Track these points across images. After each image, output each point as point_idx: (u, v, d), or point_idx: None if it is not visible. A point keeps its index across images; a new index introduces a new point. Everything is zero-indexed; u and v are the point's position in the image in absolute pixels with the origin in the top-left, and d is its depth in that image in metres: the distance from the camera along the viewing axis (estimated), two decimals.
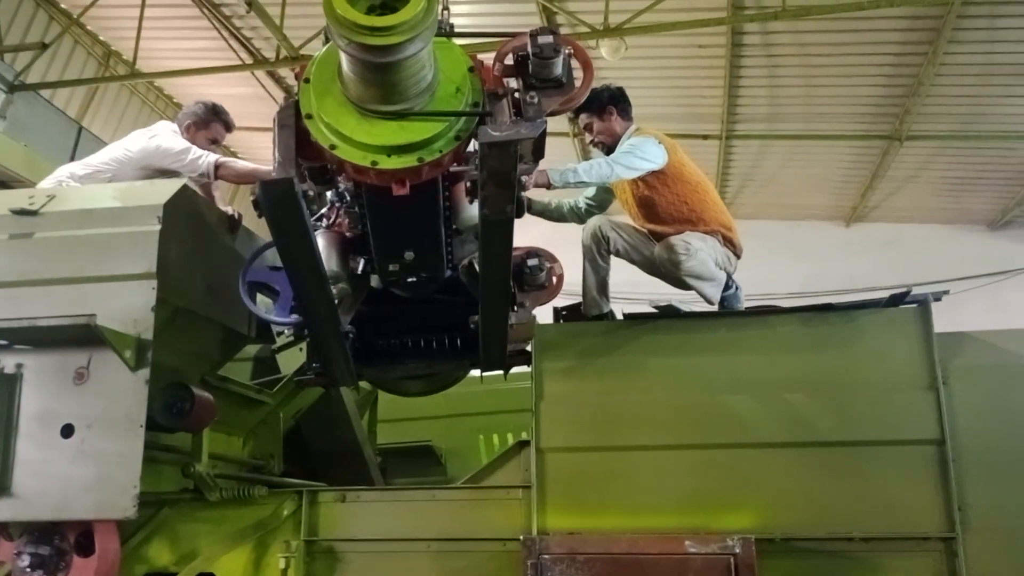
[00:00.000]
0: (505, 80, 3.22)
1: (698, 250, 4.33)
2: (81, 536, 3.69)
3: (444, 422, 6.63)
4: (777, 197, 14.93)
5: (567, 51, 3.25)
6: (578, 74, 3.35)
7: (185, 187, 3.99)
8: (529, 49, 3.14)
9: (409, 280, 3.96)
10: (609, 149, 4.64)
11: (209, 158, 4.53)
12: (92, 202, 3.92)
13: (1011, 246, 14.69)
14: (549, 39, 3.14)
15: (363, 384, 6.25)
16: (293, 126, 3.16)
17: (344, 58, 2.90)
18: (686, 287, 4.42)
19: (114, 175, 4.41)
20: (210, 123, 5.00)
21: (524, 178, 3.98)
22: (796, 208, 15.20)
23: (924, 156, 13.18)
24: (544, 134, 3.13)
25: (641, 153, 4.39)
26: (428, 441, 6.47)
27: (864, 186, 14.20)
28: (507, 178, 3.12)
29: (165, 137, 4.77)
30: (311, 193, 3.37)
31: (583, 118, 4.77)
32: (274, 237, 3.42)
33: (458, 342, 4.30)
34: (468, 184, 3.46)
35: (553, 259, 4.37)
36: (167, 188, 3.91)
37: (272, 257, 3.97)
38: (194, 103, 5.11)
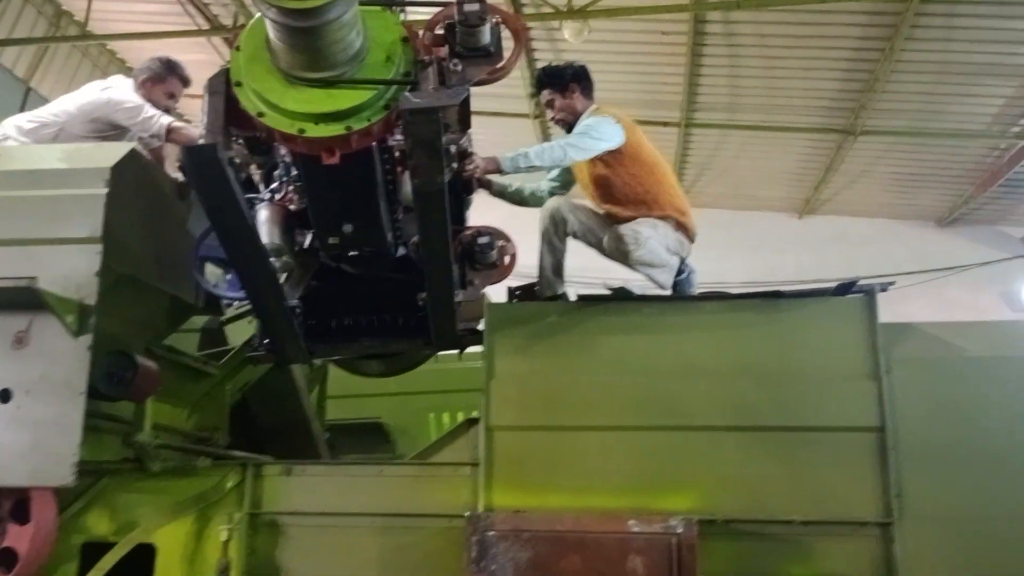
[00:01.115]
0: (435, 49, 3.21)
1: (648, 238, 4.35)
2: (17, 504, 3.61)
3: (394, 399, 6.59)
4: (733, 187, 15.08)
5: (494, 20, 3.26)
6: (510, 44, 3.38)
7: (134, 151, 3.89)
8: (456, 17, 3.14)
9: (352, 254, 3.92)
10: (570, 127, 4.63)
11: (163, 120, 4.43)
12: (38, 163, 3.83)
13: (957, 243, 15.01)
14: (475, 7, 3.16)
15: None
16: (223, 93, 3.16)
17: (268, 24, 2.88)
18: (640, 273, 4.44)
19: (62, 128, 4.28)
20: (166, 78, 4.91)
21: (473, 164, 4.00)
22: (751, 199, 15.37)
23: (877, 151, 13.39)
24: (468, 102, 3.18)
25: (596, 133, 4.38)
26: (378, 418, 6.44)
27: (818, 179, 14.39)
28: (432, 146, 3.12)
29: (120, 91, 4.66)
30: (237, 160, 3.32)
31: (545, 94, 4.75)
32: (204, 208, 3.39)
33: (411, 321, 4.27)
34: (399, 155, 3.45)
35: (505, 238, 4.36)
36: (115, 151, 3.82)
37: None
38: (149, 59, 5.00)
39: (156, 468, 3.99)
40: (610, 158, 4.49)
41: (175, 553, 4.01)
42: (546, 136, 13.53)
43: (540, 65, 11.78)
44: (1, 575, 3.54)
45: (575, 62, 4.84)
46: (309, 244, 3.94)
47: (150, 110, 4.57)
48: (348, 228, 3.66)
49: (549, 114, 4.83)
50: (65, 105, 4.66)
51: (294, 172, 3.79)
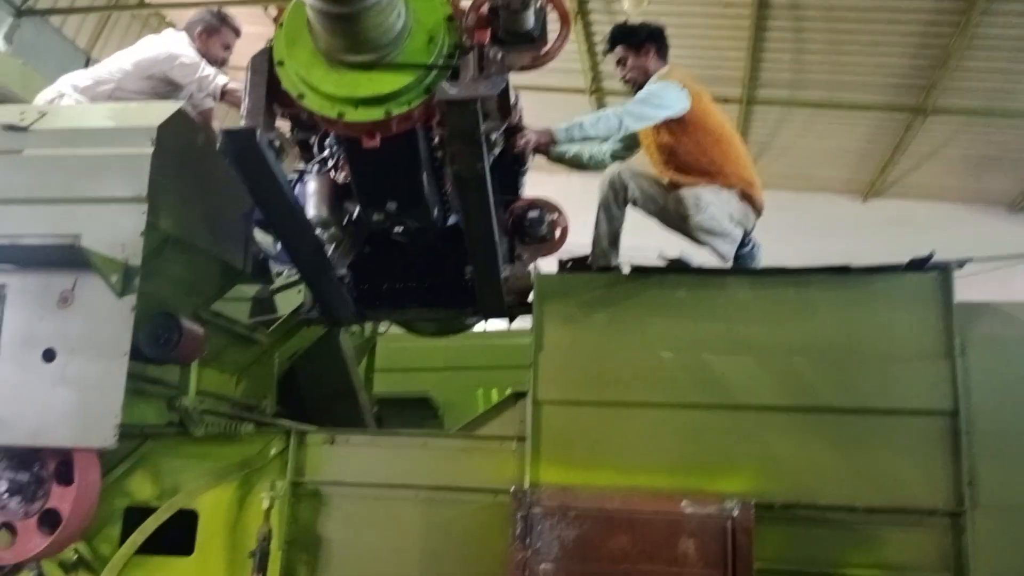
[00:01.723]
0: (477, 33, 3.07)
1: (709, 204, 4.17)
2: (61, 465, 3.60)
3: (443, 374, 6.55)
4: (793, 168, 14.66)
5: (539, 3, 3.14)
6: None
7: (181, 110, 3.83)
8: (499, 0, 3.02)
9: (397, 230, 3.84)
10: (640, 87, 4.44)
11: (219, 79, 4.39)
12: (84, 121, 3.80)
13: None
14: None
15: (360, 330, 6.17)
16: (266, 72, 3.10)
17: (308, 7, 2.80)
18: (699, 243, 4.26)
19: (118, 85, 4.26)
20: (220, 28, 4.89)
21: (524, 139, 3.89)
22: (813, 180, 14.93)
23: (948, 131, 12.88)
24: (507, 91, 3.06)
25: (657, 100, 4.20)
26: (426, 392, 6.38)
27: (884, 160, 13.92)
28: (471, 136, 3.04)
29: (178, 45, 4.64)
30: (278, 143, 3.27)
31: (618, 51, 4.57)
32: (247, 187, 3.36)
33: (459, 289, 4.18)
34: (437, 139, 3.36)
35: (557, 211, 4.24)
36: (162, 110, 3.76)
37: None
38: (199, 12, 4.96)
39: (199, 433, 3.96)
40: (675, 126, 4.30)
41: (217, 520, 3.99)
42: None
43: (596, 33, 11.64)
44: (45, 535, 3.54)
45: (652, 22, 4.64)
46: (358, 215, 3.88)
47: (207, 68, 4.53)
48: (392, 206, 3.60)
49: (619, 72, 4.63)
50: (121, 62, 4.64)
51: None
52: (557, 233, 4.21)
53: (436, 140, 3.36)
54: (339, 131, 3.09)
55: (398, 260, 4.21)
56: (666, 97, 4.20)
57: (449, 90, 2.87)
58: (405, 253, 4.16)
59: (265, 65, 3.11)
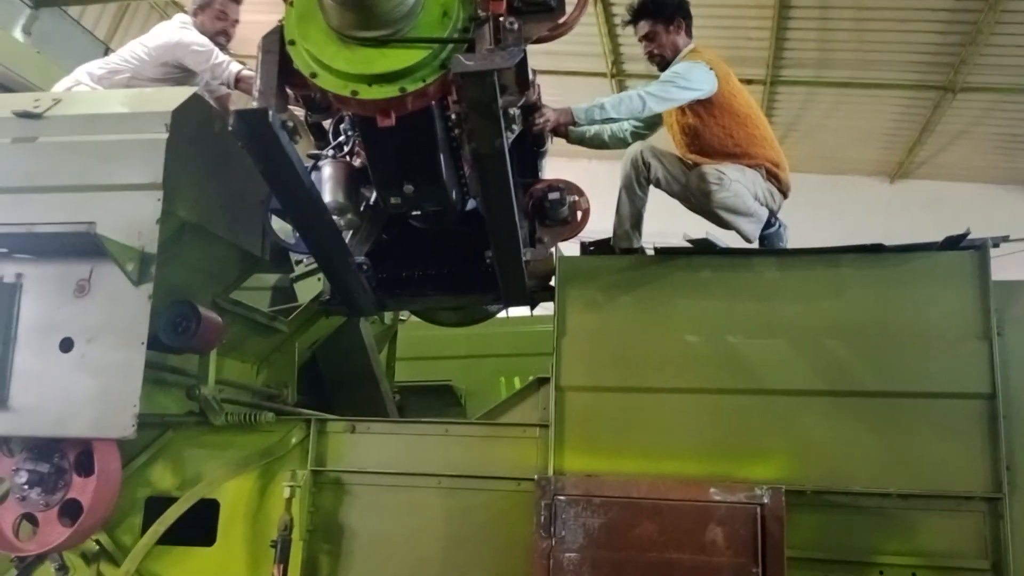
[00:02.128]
0: (492, 3, 2.97)
1: (733, 181, 4.05)
2: (82, 455, 3.58)
3: (465, 362, 6.52)
4: (820, 149, 14.45)
5: None
6: None
7: (196, 95, 3.78)
8: None
9: (416, 213, 3.77)
10: (664, 66, 4.31)
11: (232, 67, 4.32)
12: (98, 107, 3.75)
13: None
14: None
15: (381, 319, 6.13)
16: (277, 52, 3.02)
17: None
18: (723, 223, 4.15)
19: (134, 74, 4.21)
20: (213, 1, 4.76)
21: (544, 118, 3.80)
22: (839, 162, 14.72)
23: (978, 110, 12.63)
24: (525, 63, 2.96)
25: (684, 82, 4.08)
26: (448, 381, 6.35)
27: (912, 140, 13.68)
28: (488, 110, 2.94)
29: (190, 33, 4.57)
30: (291, 124, 3.19)
31: (643, 25, 4.38)
32: (260, 170, 3.28)
33: (480, 275, 4.11)
34: (454, 116, 3.29)
35: (578, 192, 4.15)
36: (177, 95, 3.71)
37: None
38: None
39: (219, 422, 3.92)
40: (700, 107, 4.19)
41: (238, 509, 3.96)
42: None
43: (616, 15, 11.47)
44: (66, 526, 3.52)
45: None
46: (375, 200, 3.81)
47: (219, 56, 4.46)
48: (409, 188, 3.51)
49: (645, 48, 4.45)
50: (135, 50, 4.59)
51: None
52: (579, 215, 4.12)
53: (453, 118, 3.28)
54: (353, 110, 3.02)
55: (417, 247, 4.14)
56: (694, 78, 4.08)
57: (465, 62, 2.78)
58: (424, 239, 4.09)
59: (276, 45, 3.03)
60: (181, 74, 4.36)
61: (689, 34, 4.42)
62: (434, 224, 3.95)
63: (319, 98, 3.17)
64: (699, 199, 4.08)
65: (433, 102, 3.10)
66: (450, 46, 2.86)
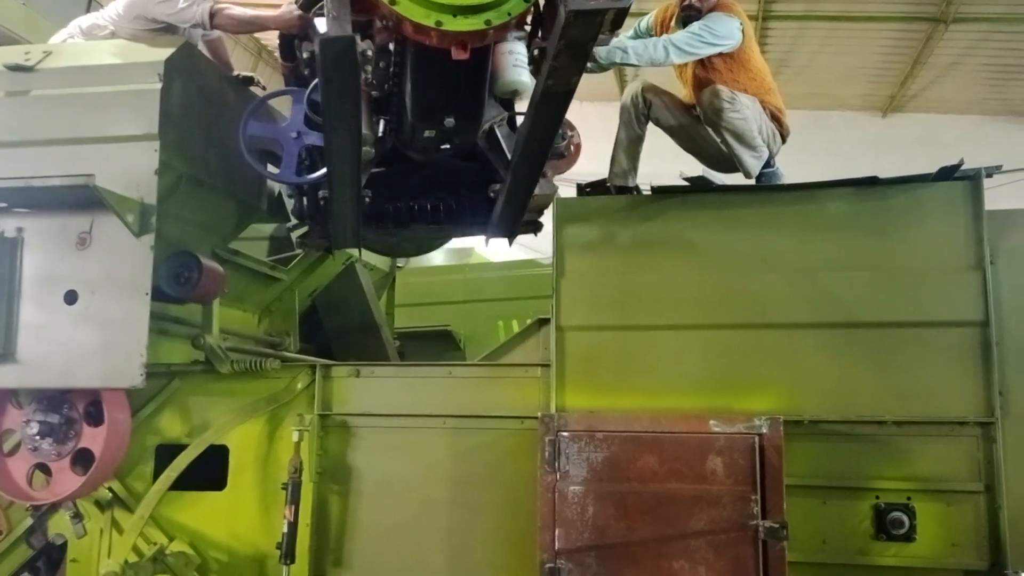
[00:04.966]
0: None
1: (744, 106, 4.05)
2: (91, 405, 3.64)
3: (463, 307, 6.56)
4: (811, 86, 14.33)
5: None
6: None
7: (187, 44, 3.75)
8: None
9: (442, 147, 3.73)
10: (689, 21, 4.18)
11: (203, 4, 4.13)
12: (90, 58, 3.72)
13: None
14: None
15: (380, 265, 6.15)
16: None
17: None
18: (722, 158, 4.14)
19: (113, 31, 4.09)
20: None
21: None
22: (830, 98, 14.60)
23: (969, 41, 12.51)
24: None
25: (711, 36, 4.02)
26: (447, 326, 6.39)
27: (903, 74, 13.57)
28: (583, 50, 2.84)
29: None
30: (369, 53, 3.09)
31: None
32: (324, 99, 3.14)
33: (466, 207, 4.07)
34: (536, 52, 3.17)
35: (570, 127, 4.14)
36: (169, 45, 3.68)
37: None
38: None
39: (225, 370, 3.97)
40: (718, 61, 4.14)
41: (247, 454, 4.04)
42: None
43: None
44: (78, 475, 3.59)
45: None
46: (383, 131, 3.74)
47: (184, 1, 4.23)
48: (450, 122, 3.43)
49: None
50: (116, 6, 4.48)
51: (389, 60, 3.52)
52: (572, 148, 4.11)
53: (536, 53, 3.19)
54: (430, 41, 2.84)
55: (405, 179, 4.04)
56: (722, 32, 4.03)
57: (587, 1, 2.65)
58: (413, 172, 4.00)
59: None
60: (158, 26, 4.21)
61: None
62: (431, 155, 3.90)
63: (378, 25, 3.00)
64: (709, 116, 4.06)
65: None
66: None
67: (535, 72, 3.19)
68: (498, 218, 3.90)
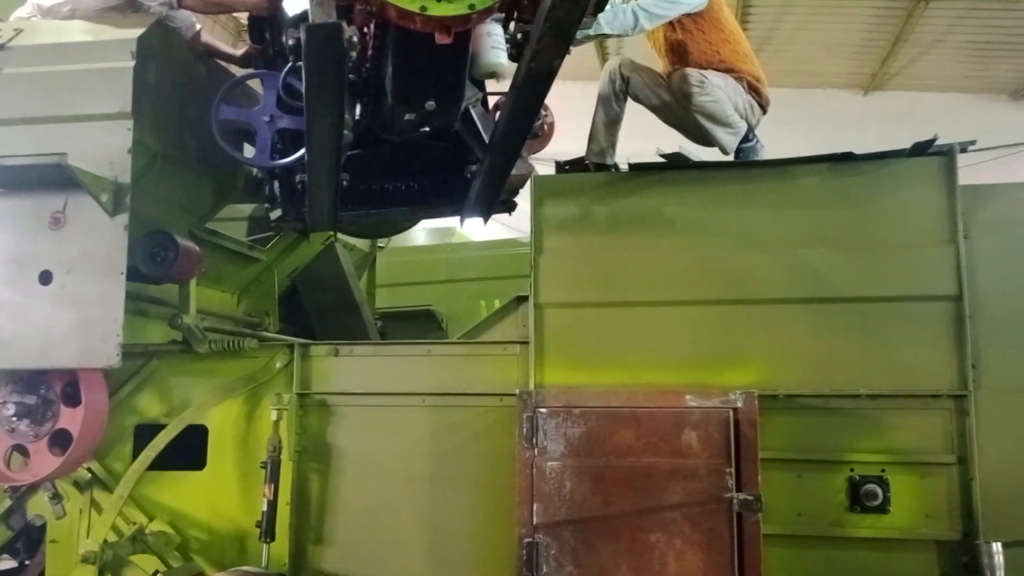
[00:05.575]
0: None
1: (715, 87, 4.05)
2: (68, 386, 3.62)
3: (445, 287, 6.55)
4: (794, 63, 14.32)
5: None
6: None
7: (160, 21, 3.71)
8: None
9: (421, 129, 3.72)
10: None
11: None
12: (62, 36, 3.67)
13: None
14: None
15: (360, 246, 6.14)
16: None
17: None
18: (701, 133, 4.15)
19: (73, 6, 3.99)
20: None
21: None
22: (813, 75, 14.60)
23: (950, 18, 12.53)
24: None
25: None
26: (428, 305, 6.39)
27: (885, 51, 13.59)
28: (567, 33, 2.85)
29: None
30: (354, 39, 3.08)
31: None
32: (308, 86, 3.12)
33: (442, 188, 4.08)
34: (520, 36, 3.16)
35: (545, 107, 4.14)
36: (140, 21, 3.65)
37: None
38: None
39: (203, 350, 3.96)
40: (689, 22, 4.17)
41: (227, 433, 4.04)
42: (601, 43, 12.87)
43: None
44: (57, 456, 3.58)
45: None
46: (359, 114, 3.73)
47: None
48: (431, 105, 3.43)
49: None
50: None
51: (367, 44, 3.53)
52: (546, 128, 4.13)
53: (520, 37, 3.20)
54: (414, 26, 2.83)
55: (380, 162, 4.03)
56: None
57: None
58: (384, 152, 3.96)
59: None
60: (117, 2, 4.11)
61: None
62: (407, 136, 3.89)
63: (360, 9, 3.00)
64: (679, 101, 4.06)
65: None
66: None
67: (512, 53, 3.20)
68: (475, 198, 3.91)
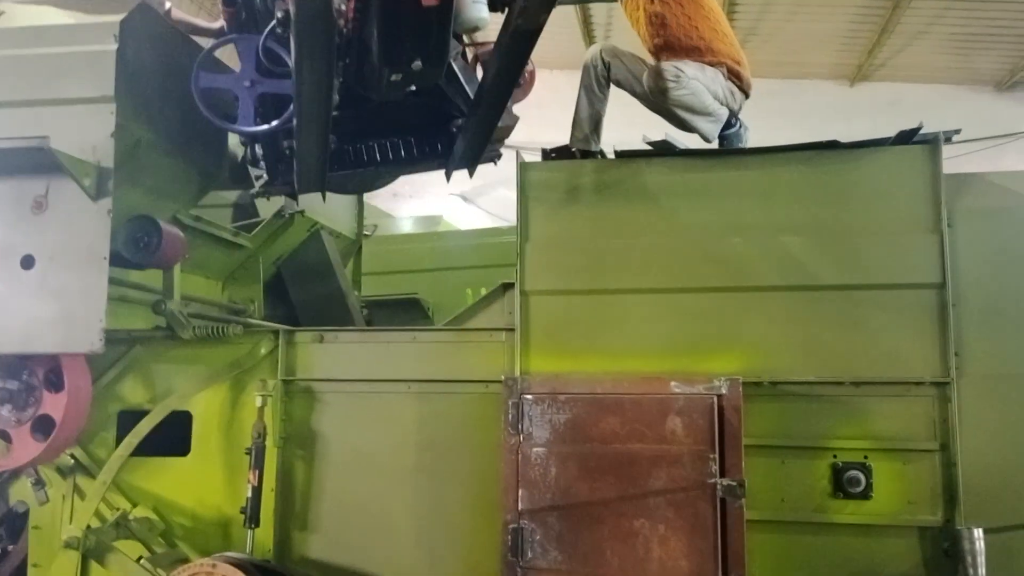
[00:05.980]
0: None
1: (691, 79, 4.03)
2: (51, 372, 3.60)
3: (431, 275, 6.54)
4: (780, 54, 14.35)
5: None
6: None
7: (143, 4, 3.67)
8: None
9: (408, 89, 3.71)
10: None
11: None
12: (44, 19, 3.64)
13: (1017, 109, 14.27)
14: None
15: (346, 233, 6.11)
16: None
17: None
18: (681, 123, 4.15)
19: None
20: None
21: None
22: (799, 66, 14.64)
23: (936, 10, 12.56)
24: None
25: None
26: (415, 294, 6.38)
27: (871, 42, 13.63)
28: None
29: None
30: (343, 7, 3.07)
31: None
32: (297, 54, 3.15)
33: (426, 144, 4.09)
34: None
35: None
36: (123, 4, 3.60)
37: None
38: None
39: (187, 336, 3.94)
40: None
41: (211, 420, 4.03)
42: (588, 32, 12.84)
43: None
44: (39, 442, 3.56)
45: None
46: (342, 77, 3.71)
47: None
48: (418, 65, 3.43)
49: None
50: None
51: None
52: (527, 76, 4.10)
53: None
54: None
55: (368, 118, 4.02)
56: None
57: None
58: (367, 110, 3.95)
59: None
60: None
61: None
62: (395, 95, 3.88)
63: None
64: (656, 97, 4.06)
65: None
66: None
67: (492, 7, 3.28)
68: (462, 151, 3.92)
